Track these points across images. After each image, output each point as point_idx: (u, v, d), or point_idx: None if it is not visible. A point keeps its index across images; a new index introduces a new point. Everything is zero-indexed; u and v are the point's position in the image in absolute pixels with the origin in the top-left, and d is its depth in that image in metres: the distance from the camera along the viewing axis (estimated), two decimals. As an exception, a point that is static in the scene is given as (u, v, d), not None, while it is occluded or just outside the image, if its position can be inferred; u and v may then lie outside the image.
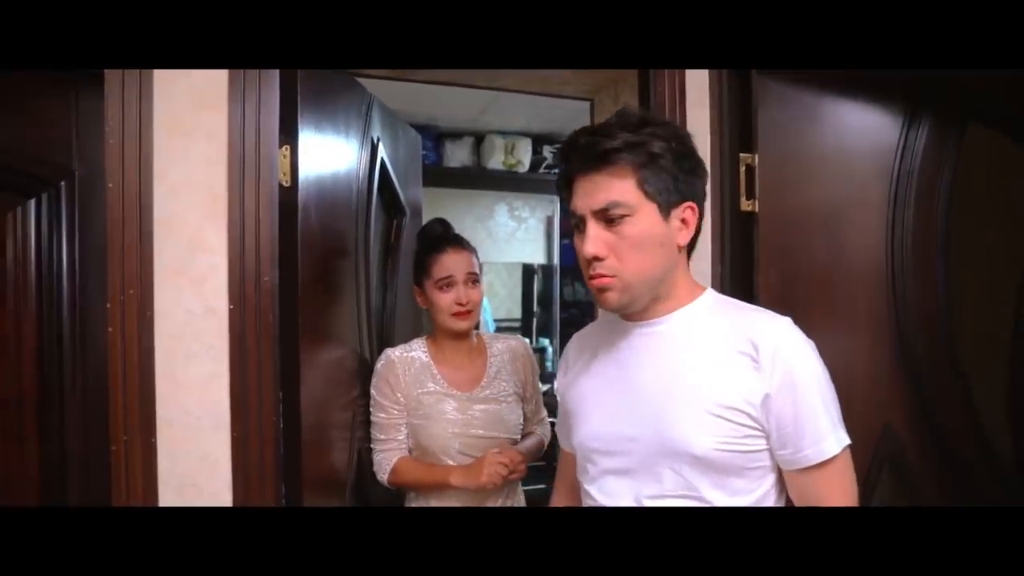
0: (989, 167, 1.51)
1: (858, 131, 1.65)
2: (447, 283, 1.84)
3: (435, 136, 4.26)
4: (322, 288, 1.74)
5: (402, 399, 1.83)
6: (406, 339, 1.98)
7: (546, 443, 2.00)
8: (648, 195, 1.07)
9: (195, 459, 1.45)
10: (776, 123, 1.51)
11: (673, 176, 1.08)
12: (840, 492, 1.05)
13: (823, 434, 1.04)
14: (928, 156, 1.56)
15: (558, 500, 1.41)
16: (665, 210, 1.09)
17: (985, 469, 1.54)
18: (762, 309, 1.14)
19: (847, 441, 1.06)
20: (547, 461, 4.37)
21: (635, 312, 1.15)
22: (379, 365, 1.87)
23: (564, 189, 1.17)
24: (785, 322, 1.09)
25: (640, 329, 1.16)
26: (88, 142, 1.57)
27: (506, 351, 1.95)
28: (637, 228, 1.07)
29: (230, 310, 1.45)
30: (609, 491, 1.16)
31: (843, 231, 1.63)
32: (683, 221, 1.11)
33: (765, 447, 1.07)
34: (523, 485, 1.97)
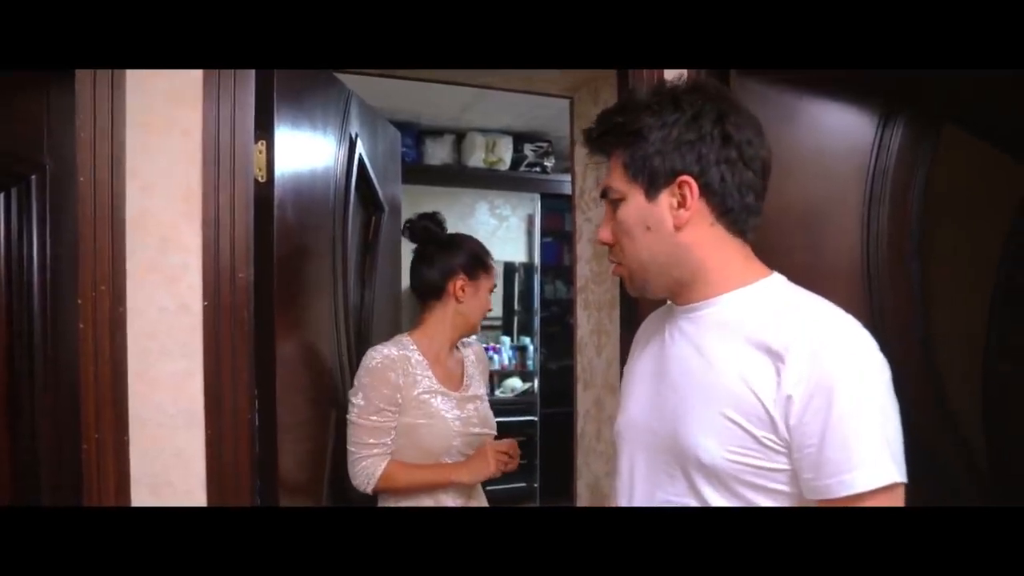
0: (963, 168, 1.52)
1: (836, 131, 1.66)
2: (492, 290, 1.92)
3: (415, 133, 4.25)
4: (298, 285, 1.72)
5: (400, 401, 1.74)
6: (384, 337, 1.95)
7: None
8: (631, 177, 1.00)
9: (168, 457, 1.44)
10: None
11: (659, 150, 0.97)
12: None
13: (856, 463, 0.85)
14: (903, 156, 1.56)
15: None
16: (652, 191, 0.99)
17: (961, 469, 1.55)
18: (827, 304, 0.96)
19: (896, 479, 0.86)
20: (527, 459, 4.42)
21: (673, 296, 1.06)
22: (372, 364, 1.74)
23: None
24: (843, 324, 0.92)
25: (683, 313, 1.05)
26: (60, 136, 1.54)
27: (472, 354, 1.99)
28: (624, 213, 1.01)
29: (204, 307, 1.44)
30: (629, 487, 1.07)
31: (822, 231, 1.63)
32: (682, 197, 0.98)
33: (786, 467, 0.90)
34: (502, 483, 1.98)
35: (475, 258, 1.91)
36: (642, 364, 1.14)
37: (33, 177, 1.56)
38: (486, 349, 4.19)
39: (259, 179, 1.51)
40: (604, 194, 1.05)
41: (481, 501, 1.92)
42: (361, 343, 2.10)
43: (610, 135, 1.03)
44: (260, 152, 1.51)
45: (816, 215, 1.65)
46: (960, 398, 1.56)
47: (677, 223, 0.99)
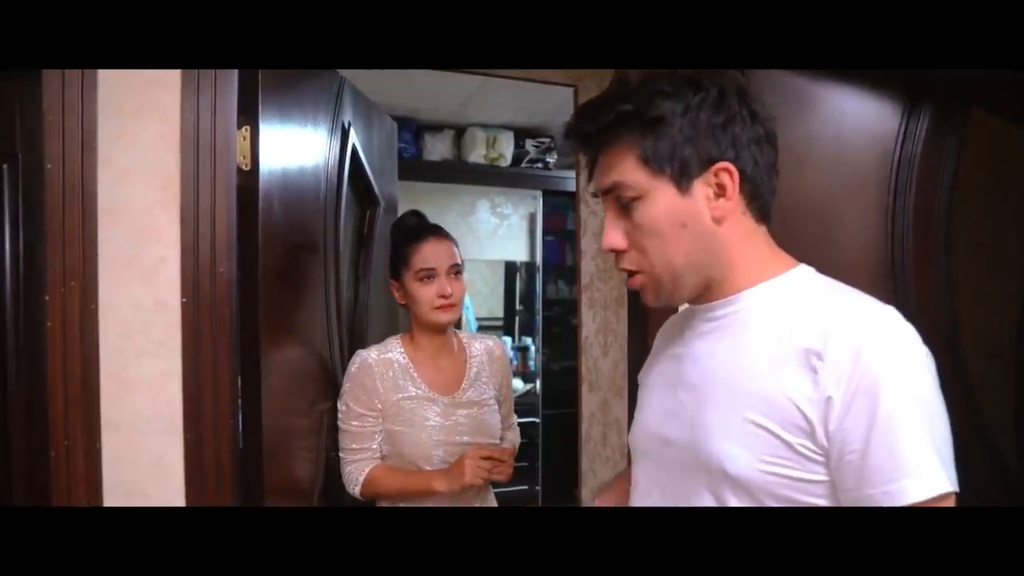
0: (993, 154, 1.44)
1: (855, 117, 1.57)
2: (428, 275, 1.71)
3: (414, 128, 4.16)
4: (286, 281, 1.63)
5: (380, 406, 1.69)
6: (380, 337, 1.86)
7: (516, 448, 1.90)
8: (655, 171, 0.89)
9: (145, 465, 1.37)
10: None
11: (688, 137, 0.87)
12: None
13: (906, 470, 0.76)
14: (930, 143, 1.48)
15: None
16: (684, 182, 0.89)
17: (989, 468, 1.47)
18: (863, 296, 0.87)
19: (948, 488, 0.76)
20: (528, 462, 4.35)
21: (696, 299, 0.97)
22: (353, 369, 1.71)
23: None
24: (884, 316, 0.83)
25: (702, 314, 0.96)
26: (33, 124, 1.46)
27: (484, 352, 1.86)
28: (650, 212, 0.89)
29: (183, 304, 1.37)
30: (645, 503, 1.00)
31: (840, 222, 1.55)
32: (719, 187, 0.89)
33: (824, 478, 0.81)
34: (502, 485, 1.86)
35: (392, 258, 1.79)
36: (657, 371, 1.05)
37: (4, 167, 1.48)
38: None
39: (243, 167, 1.42)
40: (608, 190, 0.93)
41: (490, 502, 1.84)
42: (355, 342, 2.01)
43: (618, 124, 0.90)
44: (244, 138, 1.43)
45: (834, 207, 1.56)
46: (988, 396, 1.48)
47: (716, 215, 0.89)
